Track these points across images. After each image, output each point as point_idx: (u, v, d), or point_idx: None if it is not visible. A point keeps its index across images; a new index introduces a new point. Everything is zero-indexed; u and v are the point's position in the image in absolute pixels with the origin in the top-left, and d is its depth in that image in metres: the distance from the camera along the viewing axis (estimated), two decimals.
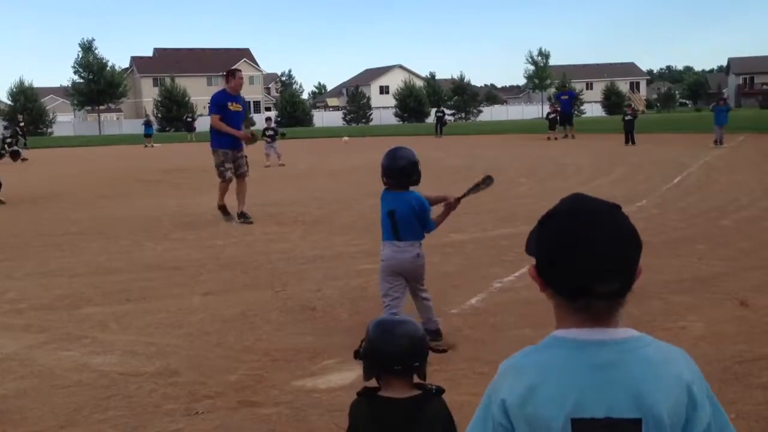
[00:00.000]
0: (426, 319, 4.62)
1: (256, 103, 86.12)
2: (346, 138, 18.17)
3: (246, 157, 10.53)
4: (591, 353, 1.36)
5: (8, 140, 27.06)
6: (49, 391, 4.18)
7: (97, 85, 67.75)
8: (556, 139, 29.03)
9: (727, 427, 1.40)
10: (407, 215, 4.50)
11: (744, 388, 3.87)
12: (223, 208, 10.52)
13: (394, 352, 2.30)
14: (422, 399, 2.31)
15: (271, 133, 20.09)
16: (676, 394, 1.33)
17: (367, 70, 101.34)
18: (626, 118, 25.66)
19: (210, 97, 10.68)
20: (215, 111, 10.16)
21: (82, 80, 68.59)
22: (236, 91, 10.31)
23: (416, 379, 2.39)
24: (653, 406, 1.31)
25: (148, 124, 41.55)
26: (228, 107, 10.11)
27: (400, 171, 4.52)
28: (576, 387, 1.34)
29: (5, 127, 30.49)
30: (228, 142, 10.14)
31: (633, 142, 24.21)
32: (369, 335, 2.38)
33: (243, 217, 10.36)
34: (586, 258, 1.35)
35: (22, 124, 30.71)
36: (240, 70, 10.79)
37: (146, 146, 37.00)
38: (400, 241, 4.55)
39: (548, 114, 31.83)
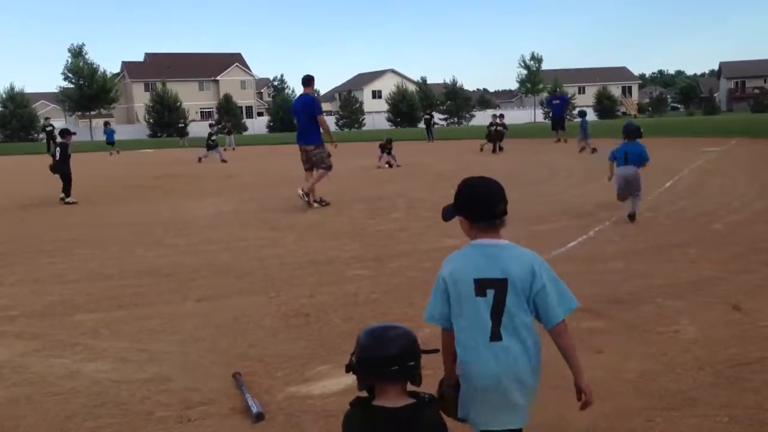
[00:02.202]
0: (634, 203, 9.45)
1: (248, 108, 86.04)
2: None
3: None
4: (485, 249, 2.58)
5: (213, 138, 28.67)
6: (42, 399, 4.16)
7: (88, 90, 67.57)
8: (490, 151, 25.72)
9: (564, 293, 2.60)
10: (636, 153, 9.30)
11: (736, 391, 3.88)
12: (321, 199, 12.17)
13: (389, 355, 2.31)
14: (416, 407, 2.30)
15: (382, 142, 21.88)
16: (524, 270, 2.53)
17: (359, 75, 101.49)
18: (491, 128, 25.97)
19: (308, 101, 12.21)
20: (322, 113, 12.18)
21: (72, 86, 68.39)
22: None
23: (410, 387, 2.39)
24: (511, 274, 2.52)
25: (108, 130, 39.66)
26: None
27: (632, 132, 9.56)
28: (476, 263, 2.55)
29: (210, 125, 34.32)
30: None
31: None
32: (361, 343, 2.38)
33: (312, 200, 12.18)
34: (492, 197, 2.61)
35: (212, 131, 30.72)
36: (314, 77, 12.47)
37: (111, 154, 34.96)
38: (628, 165, 9.24)
39: (490, 124, 27.50)
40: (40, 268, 7.92)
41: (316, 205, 12.02)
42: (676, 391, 3.91)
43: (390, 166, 20.97)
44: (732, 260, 7.08)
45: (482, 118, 78.35)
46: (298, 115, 12.23)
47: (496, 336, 2.49)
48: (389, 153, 21.52)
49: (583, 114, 26.79)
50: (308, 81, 12.27)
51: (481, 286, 2.50)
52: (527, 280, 2.51)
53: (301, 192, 11.97)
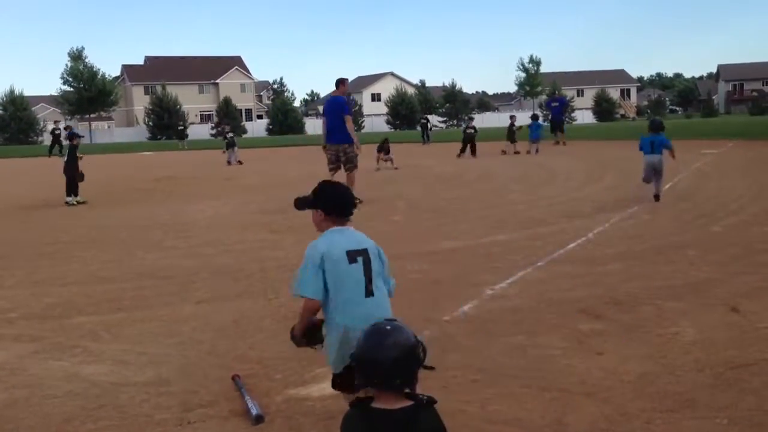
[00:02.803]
0: (658, 185, 11.38)
1: (248, 111, 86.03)
2: None
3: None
4: (343, 231, 3.33)
5: (229, 135, 28.49)
6: (40, 401, 4.16)
7: (88, 93, 67.54)
8: (517, 152, 25.21)
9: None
10: (659, 142, 11.25)
11: (736, 393, 3.88)
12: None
13: (379, 366, 2.29)
14: (414, 410, 2.30)
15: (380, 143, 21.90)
16: (372, 245, 3.32)
17: (359, 78, 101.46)
18: (467, 131, 26.04)
19: (337, 102, 12.61)
20: (350, 113, 12.54)
21: (71, 89, 68.36)
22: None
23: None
24: (368, 246, 3.30)
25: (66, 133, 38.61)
26: None
27: (658, 126, 11.69)
28: (342, 242, 3.25)
29: (218, 123, 35.00)
30: None
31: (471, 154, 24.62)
32: (359, 343, 2.38)
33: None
34: (349, 198, 3.45)
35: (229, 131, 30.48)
36: (347, 78, 12.95)
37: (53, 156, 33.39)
38: (654, 153, 11.20)
39: (511, 125, 27.02)
40: (39, 271, 7.91)
41: None
42: (675, 393, 3.91)
43: (389, 162, 21.02)
44: (731, 262, 7.09)
45: (482, 120, 78.45)
46: (327, 116, 12.62)
47: (369, 293, 3.22)
48: (387, 153, 21.61)
49: (535, 118, 27.52)
50: (339, 83, 12.76)
51: (352, 255, 3.21)
52: (376, 251, 3.32)
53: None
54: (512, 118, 27.95)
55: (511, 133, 26.32)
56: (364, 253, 3.24)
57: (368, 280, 3.22)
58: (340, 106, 12.47)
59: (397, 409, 2.29)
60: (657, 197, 11.22)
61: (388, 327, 2.41)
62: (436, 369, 4.17)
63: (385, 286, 3.34)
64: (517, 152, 25.15)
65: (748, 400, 3.79)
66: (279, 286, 6.70)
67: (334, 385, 3.33)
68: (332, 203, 3.36)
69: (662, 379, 4.12)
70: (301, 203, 3.45)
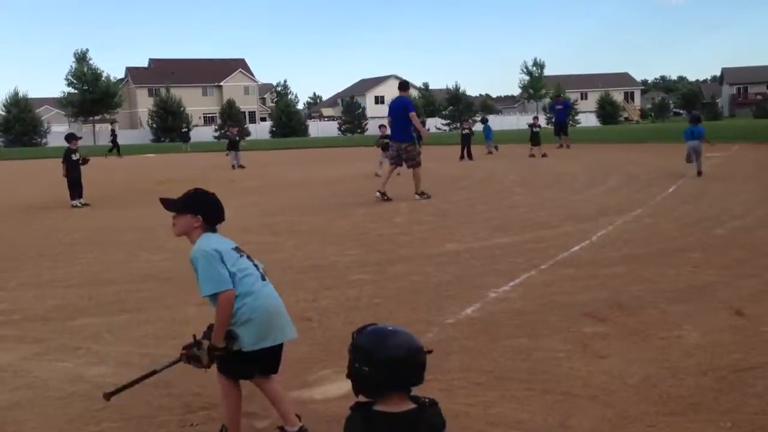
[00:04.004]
0: (699, 164, 15.25)
1: (251, 114, 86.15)
2: None
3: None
4: (217, 234, 3.50)
5: (237, 139, 28.58)
6: (43, 403, 4.16)
7: (91, 95, 67.70)
8: (533, 156, 24.83)
9: None
10: (699, 131, 15.28)
11: (739, 397, 3.87)
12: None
13: (394, 363, 2.24)
14: (417, 412, 2.28)
15: (386, 141, 20.32)
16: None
17: (362, 80, 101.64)
18: (464, 132, 26.44)
19: (402, 102, 13.50)
20: (414, 110, 13.57)
21: (75, 91, 68.53)
22: None
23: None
24: (237, 245, 3.54)
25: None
26: None
27: (696, 118, 16.35)
28: (223, 240, 3.48)
29: (231, 126, 37.83)
30: None
31: (470, 157, 25.07)
32: (365, 348, 2.31)
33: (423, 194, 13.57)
34: (221, 206, 3.57)
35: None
36: (408, 82, 14.25)
37: None
38: (694, 139, 15.18)
39: (532, 125, 26.66)
40: (42, 272, 7.92)
41: (416, 197, 13.35)
42: (678, 397, 3.90)
43: (381, 165, 20.04)
44: (735, 265, 7.07)
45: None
46: (394, 116, 13.66)
47: (263, 278, 3.54)
48: (386, 150, 20.23)
49: (485, 121, 29.79)
50: (404, 86, 13.86)
51: (237, 249, 3.48)
52: None
53: (378, 194, 13.32)
54: (535, 119, 27.90)
55: (534, 136, 26.10)
56: (239, 248, 3.50)
57: (257, 270, 3.50)
58: (404, 106, 13.40)
59: (400, 412, 2.28)
60: (699, 173, 14.52)
61: (390, 328, 2.37)
62: (437, 372, 4.19)
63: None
64: (544, 155, 24.67)
65: (751, 404, 3.78)
66: (281, 289, 6.64)
67: (221, 365, 3.59)
68: (212, 210, 3.53)
69: (665, 382, 4.11)
70: (174, 204, 3.52)
